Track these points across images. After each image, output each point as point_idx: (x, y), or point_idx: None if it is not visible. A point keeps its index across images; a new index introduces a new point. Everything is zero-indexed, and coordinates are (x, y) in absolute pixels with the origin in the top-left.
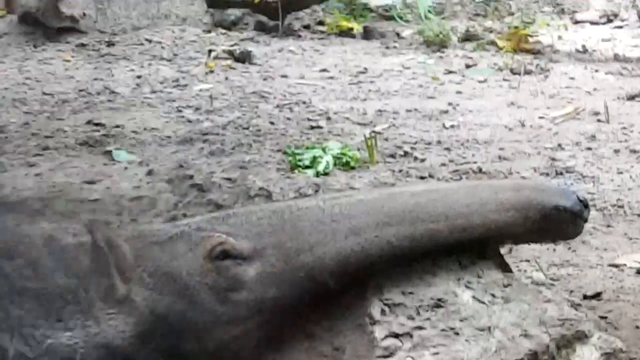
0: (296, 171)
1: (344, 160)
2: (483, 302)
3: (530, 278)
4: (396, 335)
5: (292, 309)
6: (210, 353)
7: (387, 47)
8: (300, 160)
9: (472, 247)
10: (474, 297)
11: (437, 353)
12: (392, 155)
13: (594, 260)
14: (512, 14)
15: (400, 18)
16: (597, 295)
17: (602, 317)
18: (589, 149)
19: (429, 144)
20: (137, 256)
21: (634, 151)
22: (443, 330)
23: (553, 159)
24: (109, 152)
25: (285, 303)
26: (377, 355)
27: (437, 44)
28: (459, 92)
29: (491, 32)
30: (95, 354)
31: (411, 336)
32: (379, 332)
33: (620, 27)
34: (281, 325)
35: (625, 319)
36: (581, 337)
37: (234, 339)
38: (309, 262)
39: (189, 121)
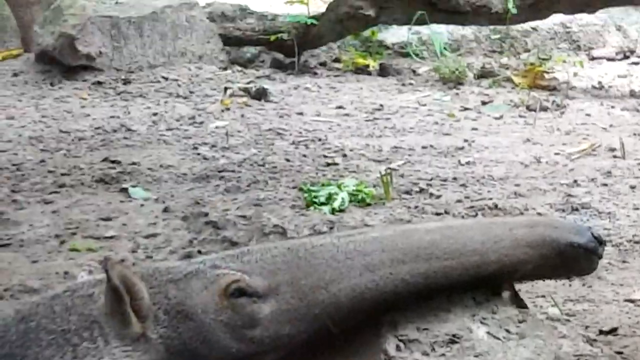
0: (312, 208)
1: (360, 197)
2: (498, 338)
3: (546, 314)
4: None
5: (307, 346)
6: None
7: (403, 84)
8: (315, 197)
9: (486, 284)
10: (488, 332)
11: None
12: (408, 192)
13: (609, 296)
14: (528, 50)
15: (416, 55)
16: (613, 331)
17: (618, 353)
18: (605, 185)
19: (445, 180)
20: (153, 294)
21: None
22: None
23: (569, 195)
24: (125, 190)
25: (300, 340)
26: None
27: (453, 81)
28: (474, 129)
29: (507, 68)
30: None
31: None
32: None
33: (637, 63)
34: None
35: None
36: None
37: None
38: (324, 299)
39: (205, 158)
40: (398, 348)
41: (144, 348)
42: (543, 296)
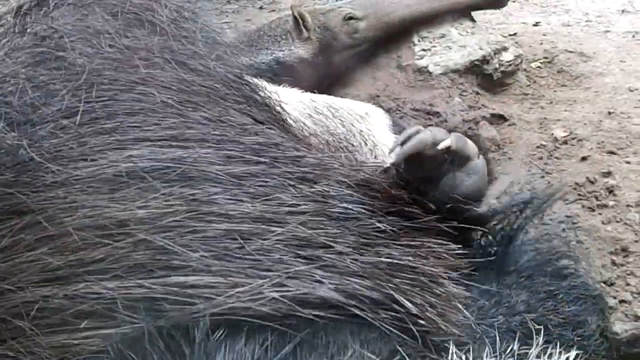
0: None
1: None
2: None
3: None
4: (424, 50)
5: (379, 44)
6: (341, 60)
7: None
8: None
9: None
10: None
11: (440, 56)
12: None
13: None
14: None
15: None
16: (515, 35)
17: (516, 43)
18: None
19: None
20: (312, 18)
21: None
22: (445, 46)
23: None
24: None
25: (377, 40)
26: (415, 58)
27: None
28: None
29: None
30: (293, 61)
31: (430, 50)
32: (416, 48)
33: None
34: (373, 52)
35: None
36: (505, 49)
37: (352, 56)
38: (389, 20)
39: None
40: (418, 40)
41: (309, 42)
42: None
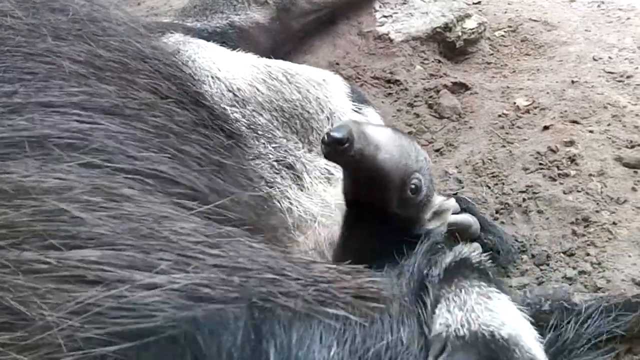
0: None
1: None
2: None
3: None
4: (385, 16)
5: (339, 10)
6: (299, 26)
7: None
8: None
9: None
10: None
11: (402, 23)
12: None
13: None
14: None
15: None
16: (479, 2)
17: (480, 11)
18: None
19: None
20: None
21: None
22: (407, 13)
23: None
24: None
25: (337, 6)
26: (376, 24)
27: None
28: None
29: None
30: (249, 26)
31: (392, 17)
32: (377, 14)
33: None
34: (333, 18)
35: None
36: (468, 16)
37: (311, 22)
38: None
39: None
40: (380, 6)
41: (266, 7)
42: None
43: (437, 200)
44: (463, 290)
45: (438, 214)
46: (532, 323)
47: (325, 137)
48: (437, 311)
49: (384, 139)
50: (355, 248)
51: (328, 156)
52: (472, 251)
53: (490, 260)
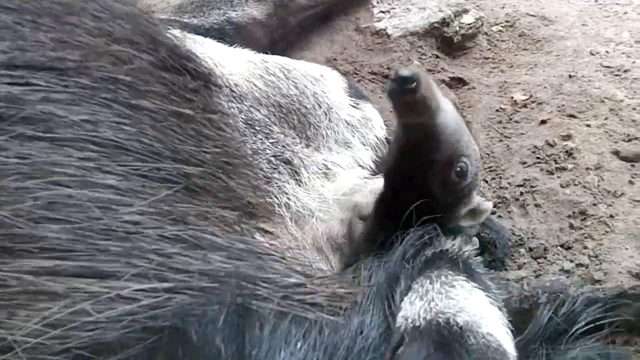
0: None
1: None
2: None
3: None
4: (382, 12)
5: (336, 5)
6: (296, 22)
7: None
8: None
9: None
10: None
11: (399, 19)
12: None
13: None
14: None
15: None
16: None
17: (478, 6)
18: None
19: None
20: None
21: None
22: (404, 8)
23: None
24: None
25: (334, 2)
26: (373, 20)
27: None
28: None
29: None
30: (247, 22)
31: (390, 12)
32: (375, 10)
33: None
34: (330, 14)
35: None
36: (465, 11)
37: (308, 17)
38: None
39: None
40: (377, 2)
41: (263, 3)
42: None
43: (477, 199)
44: (428, 280)
45: (474, 213)
46: (507, 311)
47: (394, 74)
48: (402, 304)
49: (447, 106)
50: (382, 242)
51: (391, 93)
52: (453, 244)
53: (477, 255)
